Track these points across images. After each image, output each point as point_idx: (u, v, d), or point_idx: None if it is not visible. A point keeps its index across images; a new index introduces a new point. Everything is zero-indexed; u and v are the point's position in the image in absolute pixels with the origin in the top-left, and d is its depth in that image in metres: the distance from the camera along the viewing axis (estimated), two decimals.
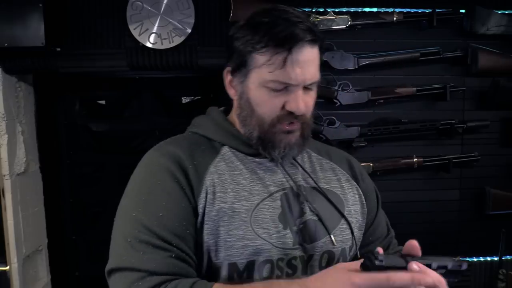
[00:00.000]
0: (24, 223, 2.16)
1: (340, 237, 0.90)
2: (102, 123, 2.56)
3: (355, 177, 0.99)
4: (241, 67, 0.86)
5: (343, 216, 0.91)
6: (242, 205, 0.83)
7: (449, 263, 0.70)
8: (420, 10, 2.11)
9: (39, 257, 2.32)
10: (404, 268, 0.65)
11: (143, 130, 2.47)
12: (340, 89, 2.06)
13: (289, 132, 0.86)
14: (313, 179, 0.91)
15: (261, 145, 0.88)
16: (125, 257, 0.76)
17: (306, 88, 0.85)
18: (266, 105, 0.85)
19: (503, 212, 2.19)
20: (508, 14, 2.12)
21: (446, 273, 0.69)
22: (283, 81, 0.82)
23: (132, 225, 0.78)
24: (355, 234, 0.92)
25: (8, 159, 2.08)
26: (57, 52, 2.05)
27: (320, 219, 0.88)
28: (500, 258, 2.14)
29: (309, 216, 0.88)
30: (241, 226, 0.81)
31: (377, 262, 0.64)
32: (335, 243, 0.88)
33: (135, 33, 2.02)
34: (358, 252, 0.93)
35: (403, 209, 2.16)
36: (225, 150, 0.90)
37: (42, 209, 2.36)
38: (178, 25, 2.00)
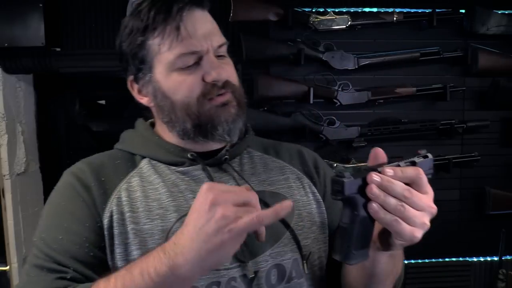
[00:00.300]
0: (24, 223, 2.16)
1: (290, 246, 0.78)
2: (102, 123, 2.56)
3: (308, 173, 0.89)
4: (141, 65, 0.79)
5: (285, 224, 0.79)
6: (155, 226, 0.73)
7: (415, 159, 0.66)
8: (420, 10, 2.11)
9: None
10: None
11: None
12: (340, 89, 2.06)
13: (223, 104, 0.78)
14: (248, 183, 0.79)
15: (201, 133, 0.78)
16: (19, 285, 0.73)
17: (218, 56, 0.78)
18: (184, 87, 0.76)
19: (503, 212, 2.19)
20: (508, 14, 2.12)
21: None
22: (189, 51, 0.75)
23: (33, 252, 0.74)
24: (308, 240, 0.81)
25: (8, 159, 2.07)
26: (57, 52, 2.05)
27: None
28: (500, 258, 2.14)
29: None
30: None
31: (345, 180, 0.60)
32: (283, 254, 0.77)
33: None
34: (321, 255, 0.83)
35: None
36: (144, 163, 0.81)
37: (42, 209, 2.36)
38: None
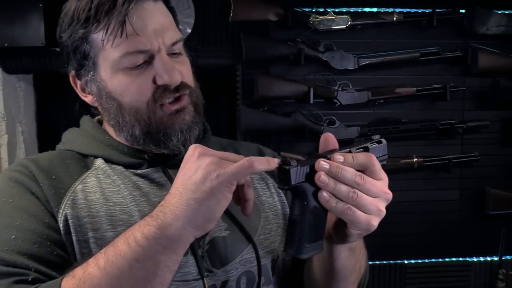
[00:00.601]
0: None
1: (259, 251, 0.73)
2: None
3: (271, 173, 0.79)
4: (83, 61, 0.70)
5: (244, 232, 0.72)
6: (119, 233, 0.60)
7: (368, 143, 0.62)
8: (420, 10, 2.11)
9: None
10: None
11: None
12: (340, 89, 2.06)
13: (178, 110, 0.70)
14: None
15: (152, 141, 0.70)
16: None
17: (172, 54, 0.70)
18: (132, 89, 0.68)
19: (503, 212, 2.19)
20: (508, 14, 2.12)
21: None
22: (137, 49, 0.66)
23: None
24: (276, 243, 0.76)
25: (8, 159, 2.08)
26: (57, 52, 2.05)
27: (229, 235, 0.71)
28: (500, 258, 2.14)
29: (216, 232, 0.71)
30: None
31: (291, 168, 0.56)
32: (252, 261, 0.72)
33: None
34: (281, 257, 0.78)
35: (403, 209, 2.15)
36: (99, 162, 0.72)
37: None
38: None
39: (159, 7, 0.69)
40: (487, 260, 2.26)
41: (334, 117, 2.07)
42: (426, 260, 2.20)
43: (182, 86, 0.70)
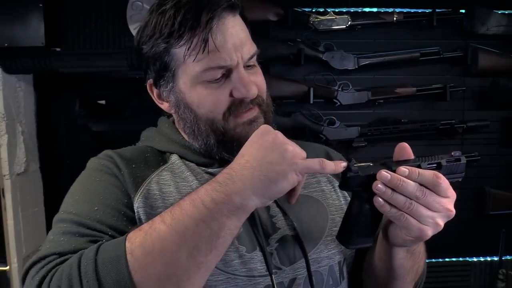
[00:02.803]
0: (24, 223, 2.16)
1: (326, 252, 0.75)
2: (102, 123, 2.56)
3: (337, 175, 0.81)
4: (163, 72, 0.73)
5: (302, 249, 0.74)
6: None
7: (442, 159, 0.63)
8: (420, 10, 2.11)
9: None
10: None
11: (143, 130, 2.47)
12: (340, 89, 2.06)
13: (251, 121, 0.73)
14: None
15: (225, 149, 0.74)
16: (41, 251, 0.64)
17: (247, 66, 0.72)
18: (209, 102, 0.71)
19: (503, 212, 2.19)
20: (508, 14, 2.12)
21: (442, 171, 0.62)
22: (218, 65, 0.68)
23: (59, 226, 0.66)
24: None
25: (8, 159, 2.08)
26: (57, 52, 2.05)
27: (298, 234, 0.73)
28: (500, 258, 2.14)
29: (286, 231, 0.73)
30: None
31: (350, 175, 0.61)
32: (320, 261, 0.74)
33: (135, 33, 2.01)
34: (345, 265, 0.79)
35: None
36: (175, 158, 0.76)
37: (42, 209, 2.36)
38: None
39: (237, 21, 0.72)
40: (487, 260, 2.26)
41: (334, 117, 2.07)
42: (426, 260, 2.20)
43: (257, 99, 0.73)
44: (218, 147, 0.74)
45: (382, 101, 2.10)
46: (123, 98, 2.58)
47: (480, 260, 2.26)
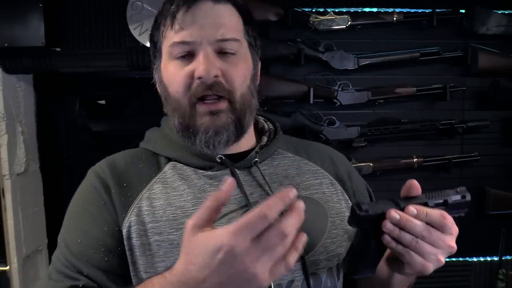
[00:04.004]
0: (24, 223, 2.16)
1: (325, 255, 0.75)
2: (102, 123, 2.56)
3: (340, 179, 0.84)
4: (155, 52, 0.78)
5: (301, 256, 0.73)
6: (180, 235, 0.61)
7: (449, 196, 0.65)
8: (420, 10, 2.11)
9: (39, 257, 2.32)
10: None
11: (143, 130, 2.47)
12: (340, 89, 2.06)
13: (212, 113, 0.71)
14: (271, 191, 0.75)
15: (185, 134, 0.74)
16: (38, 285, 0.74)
17: (223, 53, 0.72)
18: (176, 79, 0.72)
19: (503, 212, 2.19)
20: (508, 14, 2.12)
21: (448, 208, 0.64)
22: (182, 40, 0.70)
23: (57, 253, 0.73)
24: (342, 248, 0.77)
25: (8, 159, 2.08)
26: (57, 52, 2.05)
27: None
28: (500, 258, 2.14)
29: None
30: None
31: (361, 214, 0.61)
32: (318, 263, 0.74)
33: (135, 33, 2.02)
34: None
35: None
36: (169, 167, 0.77)
37: (42, 209, 2.36)
38: None
39: (217, 8, 0.72)
40: (487, 260, 2.26)
41: (334, 117, 2.07)
42: None
43: (219, 86, 0.71)
44: (181, 131, 0.75)
45: (382, 101, 2.10)
46: (123, 98, 2.58)
47: (480, 260, 2.26)
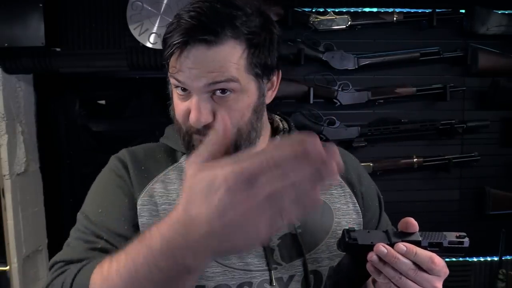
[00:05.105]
0: (24, 223, 2.16)
1: (327, 253, 0.76)
2: (102, 123, 2.56)
3: (349, 182, 0.85)
4: (164, 63, 0.79)
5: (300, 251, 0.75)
6: None
7: (445, 239, 0.65)
8: (420, 10, 2.11)
9: (39, 257, 2.32)
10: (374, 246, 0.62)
11: (143, 130, 2.47)
12: (340, 89, 2.06)
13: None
14: None
15: (188, 151, 0.77)
16: (57, 254, 0.75)
17: (218, 91, 0.71)
18: (177, 107, 0.76)
19: (503, 212, 2.19)
20: (508, 14, 2.12)
21: (442, 250, 0.64)
22: (176, 79, 0.72)
23: (76, 225, 0.77)
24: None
25: (8, 159, 2.08)
26: (57, 52, 2.05)
27: (300, 233, 0.75)
28: (500, 258, 2.14)
29: (287, 229, 0.75)
30: None
31: (349, 241, 0.62)
32: (320, 261, 0.75)
33: (135, 33, 2.02)
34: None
35: (403, 209, 2.15)
36: (184, 159, 0.82)
37: (42, 209, 2.36)
38: None
39: (212, 53, 0.70)
40: (487, 260, 2.26)
41: (334, 117, 2.07)
42: None
43: (209, 129, 0.71)
44: (183, 145, 0.79)
45: (382, 101, 2.10)
46: (123, 98, 2.58)
47: (480, 260, 2.26)
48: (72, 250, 0.73)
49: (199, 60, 0.70)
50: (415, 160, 2.12)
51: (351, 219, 0.82)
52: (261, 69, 0.79)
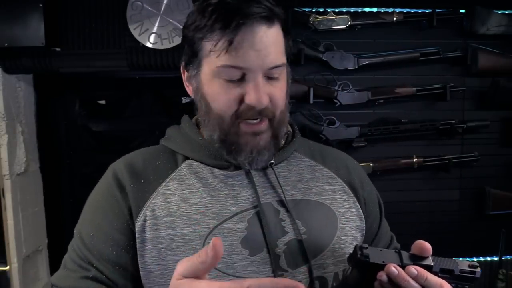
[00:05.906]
0: (24, 223, 2.16)
1: (332, 259, 0.75)
2: (102, 123, 2.56)
3: (353, 187, 0.84)
4: (193, 57, 0.76)
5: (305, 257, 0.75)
6: (193, 231, 0.71)
7: (457, 267, 0.63)
8: (420, 10, 2.11)
9: (39, 257, 2.32)
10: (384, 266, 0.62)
11: (143, 130, 2.47)
12: (340, 89, 2.06)
13: (255, 133, 0.74)
14: (283, 193, 0.76)
15: (225, 148, 0.76)
16: (55, 274, 0.76)
17: (269, 78, 0.72)
18: (222, 99, 0.72)
19: (503, 212, 2.19)
20: (508, 14, 2.12)
21: (453, 278, 0.63)
22: (236, 65, 0.69)
23: (72, 242, 0.77)
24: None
25: (8, 159, 2.08)
26: (57, 52, 2.05)
27: (306, 239, 0.74)
28: (500, 258, 2.14)
29: (293, 235, 0.74)
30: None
31: (361, 258, 0.62)
32: (325, 267, 0.74)
33: (135, 33, 2.02)
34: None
35: (403, 209, 2.16)
36: (185, 165, 0.79)
37: (42, 209, 2.36)
38: (178, 25, 2.00)
39: (271, 32, 0.71)
40: (487, 260, 2.26)
41: (334, 117, 2.07)
42: None
43: (266, 111, 0.72)
44: (220, 144, 0.76)
45: (382, 101, 2.10)
46: (123, 98, 2.58)
47: (480, 260, 2.26)
48: (67, 277, 0.73)
49: (263, 39, 0.69)
50: (415, 160, 2.12)
51: (355, 225, 0.81)
52: (289, 56, 0.79)
